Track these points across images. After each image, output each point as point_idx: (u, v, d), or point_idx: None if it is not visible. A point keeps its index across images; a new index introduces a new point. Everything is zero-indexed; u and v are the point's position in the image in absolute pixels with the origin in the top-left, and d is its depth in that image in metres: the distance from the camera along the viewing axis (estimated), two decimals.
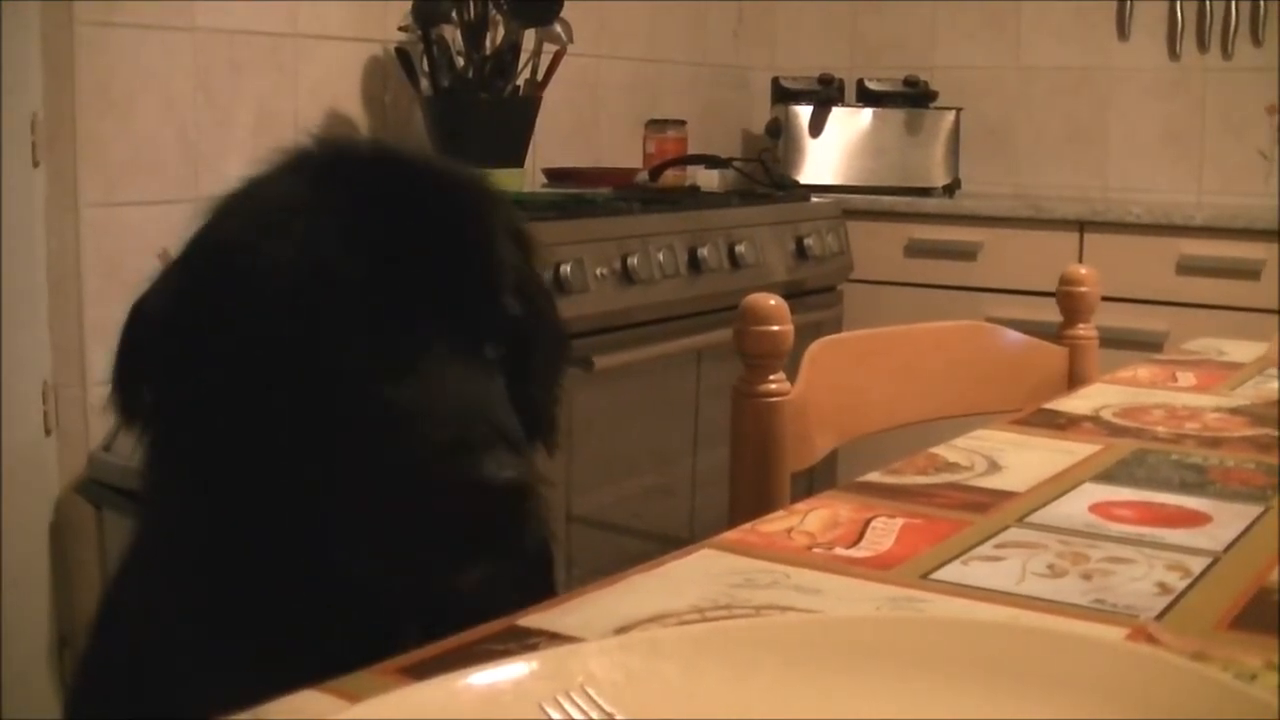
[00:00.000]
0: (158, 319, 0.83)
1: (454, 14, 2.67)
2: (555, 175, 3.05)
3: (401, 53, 2.69)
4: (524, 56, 2.75)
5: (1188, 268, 2.97)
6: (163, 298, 0.83)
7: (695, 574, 0.78)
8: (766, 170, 3.42)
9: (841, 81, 3.61)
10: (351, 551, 0.79)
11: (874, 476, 1.01)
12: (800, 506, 0.92)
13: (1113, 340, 1.92)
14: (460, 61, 2.71)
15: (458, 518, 0.75)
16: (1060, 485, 0.99)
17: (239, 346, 0.80)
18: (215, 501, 0.81)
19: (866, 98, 3.55)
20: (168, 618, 0.83)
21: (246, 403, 0.79)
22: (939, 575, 0.79)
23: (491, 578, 0.79)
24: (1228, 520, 0.90)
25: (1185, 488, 0.98)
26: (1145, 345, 2.67)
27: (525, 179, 2.86)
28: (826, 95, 3.54)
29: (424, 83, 2.68)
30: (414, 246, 0.82)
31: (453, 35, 2.73)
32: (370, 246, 0.80)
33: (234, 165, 2.38)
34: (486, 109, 2.69)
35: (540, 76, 2.80)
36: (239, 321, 0.80)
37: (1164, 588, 0.76)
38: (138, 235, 2.26)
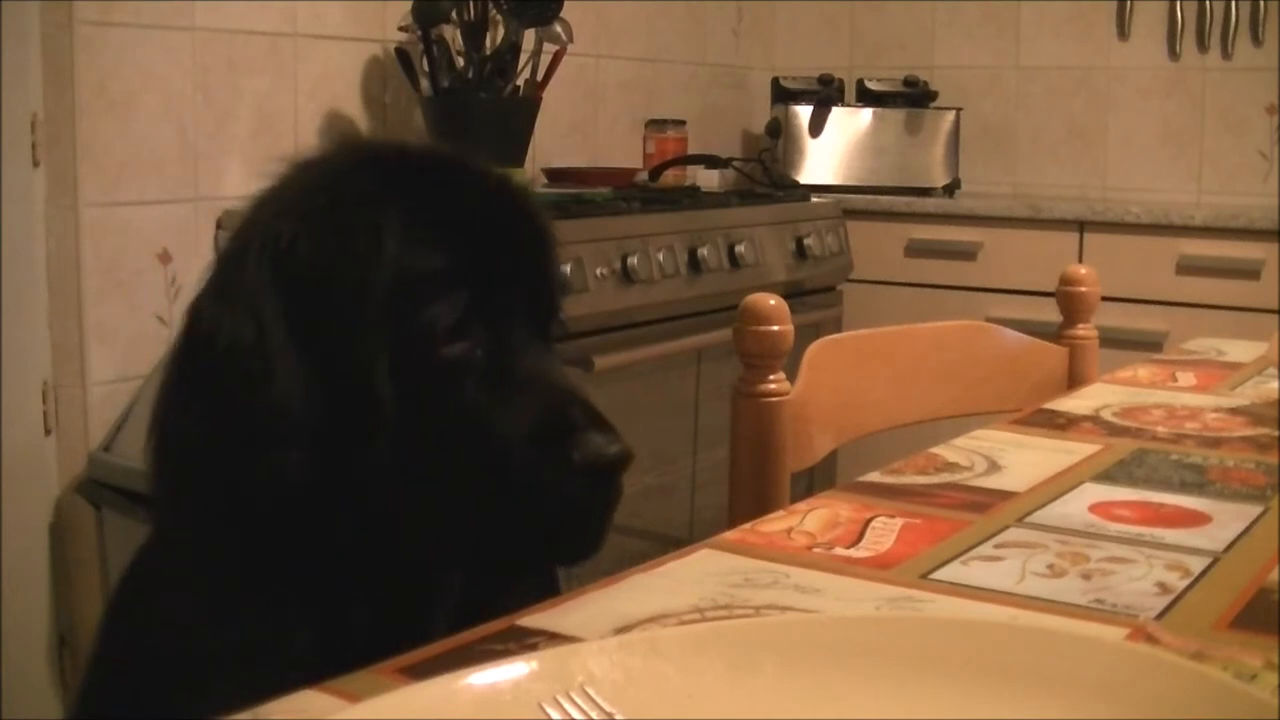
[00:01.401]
0: (231, 323, 0.80)
1: (454, 14, 2.67)
2: (555, 175, 3.05)
3: (401, 53, 2.69)
4: (524, 56, 2.75)
5: (1187, 267, 2.97)
6: (226, 297, 0.81)
7: (695, 574, 0.78)
8: (766, 170, 3.42)
9: (841, 81, 3.61)
10: (461, 545, 0.81)
11: (874, 476, 1.01)
12: (800, 506, 0.92)
13: (1113, 340, 1.92)
14: (460, 61, 2.71)
15: (573, 497, 0.78)
16: (1060, 485, 0.99)
17: (328, 340, 0.79)
18: (267, 505, 0.79)
19: (866, 98, 3.55)
20: (183, 621, 0.82)
21: (335, 401, 0.78)
22: (939, 575, 0.79)
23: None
24: (1228, 520, 0.90)
25: (1185, 488, 0.98)
26: (1145, 345, 2.67)
27: (525, 179, 2.86)
28: (826, 95, 3.54)
29: (424, 83, 2.68)
30: (488, 245, 0.83)
31: (453, 35, 2.73)
32: (455, 244, 0.82)
33: (233, 165, 2.40)
34: (486, 109, 2.69)
35: (540, 76, 2.80)
36: (329, 316, 0.79)
37: (1164, 588, 0.76)
38: (138, 235, 2.26)
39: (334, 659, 0.65)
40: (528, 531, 0.79)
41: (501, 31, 2.74)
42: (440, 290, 0.80)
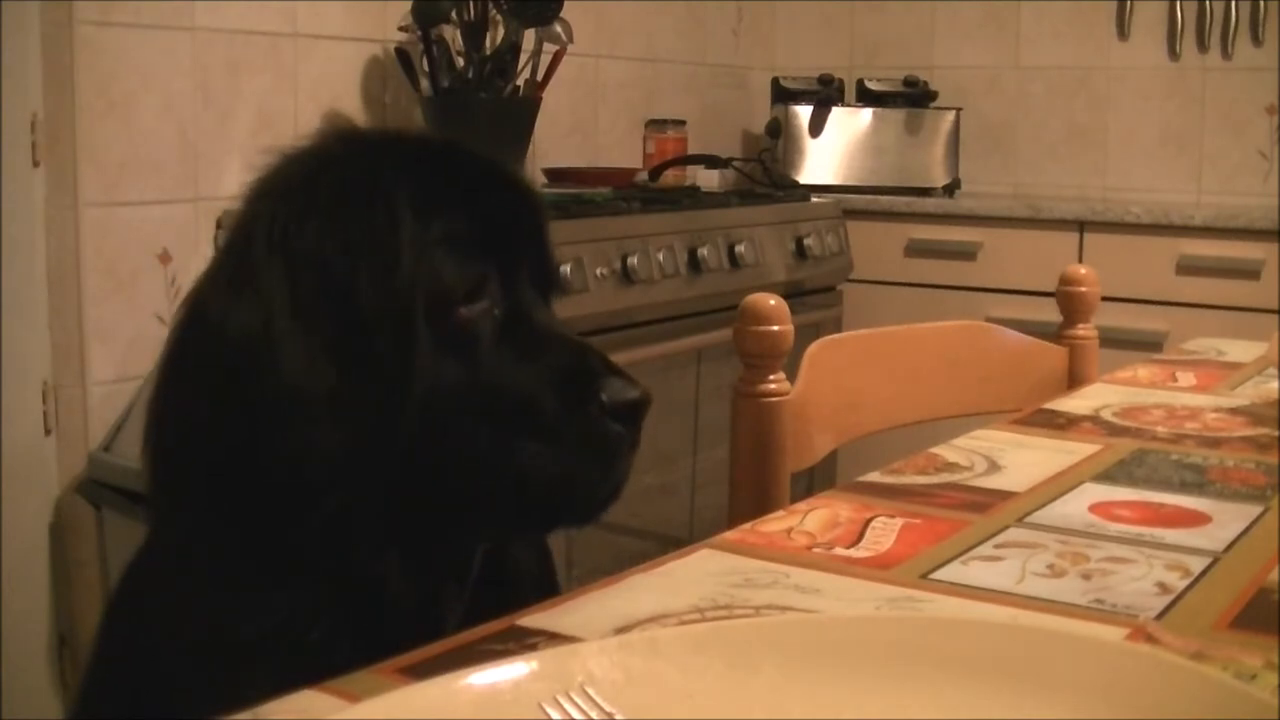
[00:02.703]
0: (235, 314, 0.80)
1: (454, 14, 2.67)
2: (555, 175, 3.05)
3: (401, 53, 2.69)
4: (524, 56, 2.75)
5: (1187, 268, 2.97)
6: (234, 285, 0.81)
7: (695, 574, 0.78)
8: (766, 170, 3.42)
9: (841, 81, 3.61)
10: (499, 500, 0.82)
11: (874, 476, 1.01)
12: (800, 506, 0.92)
13: (1113, 340, 1.92)
14: (460, 61, 2.71)
15: (606, 438, 0.81)
16: (1060, 485, 0.99)
17: (349, 318, 0.79)
18: (294, 485, 0.78)
19: (866, 98, 3.55)
20: (183, 620, 0.82)
21: (363, 376, 0.79)
22: (939, 575, 0.79)
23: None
24: (1228, 520, 0.90)
25: (1185, 488, 0.98)
26: (1145, 345, 2.67)
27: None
28: (826, 95, 3.54)
29: (424, 83, 2.68)
30: (492, 215, 0.86)
31: (453, 35, 2.73)
32: (463, 214, 0.84)
33: (233, 165, 2.40)
34: (486, 109, 2.69)
35: (540, 76, 2.80)
36: (349, 294, 0.79)
37: (1164, 588, 0.76)
38: (138, 235, 2.26)
39: (341, 655, 0.65)
40: (563, 478, 0.81)
41: (501, 31, 2.74)
42: (457, 255, 0.82)
